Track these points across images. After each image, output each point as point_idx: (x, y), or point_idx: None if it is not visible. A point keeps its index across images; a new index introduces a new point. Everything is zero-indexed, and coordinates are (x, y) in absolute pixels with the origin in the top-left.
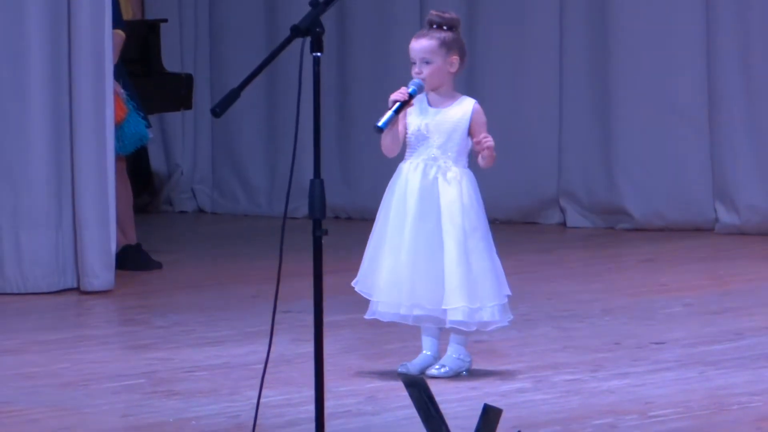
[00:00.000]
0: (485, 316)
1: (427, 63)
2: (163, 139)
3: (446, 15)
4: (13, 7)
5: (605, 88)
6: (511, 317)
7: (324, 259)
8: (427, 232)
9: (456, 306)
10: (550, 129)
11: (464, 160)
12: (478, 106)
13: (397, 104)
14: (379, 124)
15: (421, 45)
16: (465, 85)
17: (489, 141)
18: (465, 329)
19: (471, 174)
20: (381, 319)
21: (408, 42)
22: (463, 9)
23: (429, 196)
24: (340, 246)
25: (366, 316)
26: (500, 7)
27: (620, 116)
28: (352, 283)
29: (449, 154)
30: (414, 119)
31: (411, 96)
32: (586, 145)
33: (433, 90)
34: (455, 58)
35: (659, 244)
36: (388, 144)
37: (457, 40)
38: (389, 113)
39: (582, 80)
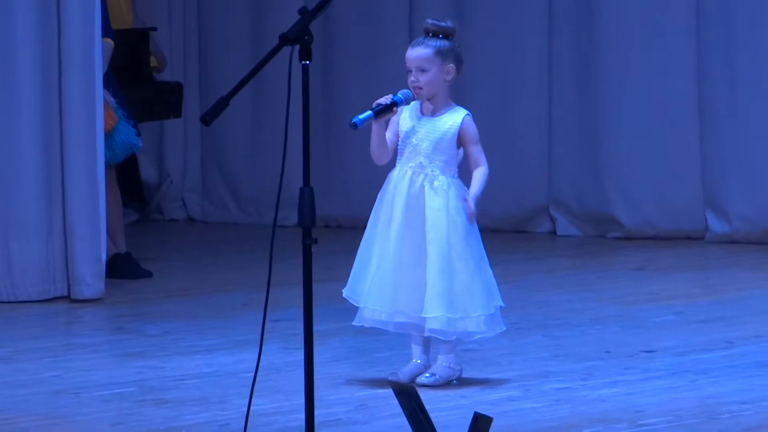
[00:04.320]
0: (469, 326)
1: (423, 71)
2: (153, 147)
3: (442, 24)
4: (2, 16)
5: (595, 97)
6: (503, 328)
7: (314, 268)
8: (413, 240)
9: (435, 315)
10: (539, 137)
11: (453, 170)
12: (469, 117)
13: (379, 106)
14: (355, 119)
15: (416, 53)
16: (454, 93)
17: (471, 209)
18: (443, 338)
19: (460, 184)
20: (364, 324)
21: (396, 49)
22: (452, 17)
23: (415, 204)
24: (329, 255)
25: (354, 323)
26: (490, 15)
27: (610, 125)
28: (343, 290)
29: (437, 162)
30: (405, 126)
31: (395, 103)
32: (576, 154)
33: (428, 99)
34: (451, 67)
35: (649, 252)
36: (375, 150)
37: (453, 49)
38: (367, 112)
39: (571, 89)
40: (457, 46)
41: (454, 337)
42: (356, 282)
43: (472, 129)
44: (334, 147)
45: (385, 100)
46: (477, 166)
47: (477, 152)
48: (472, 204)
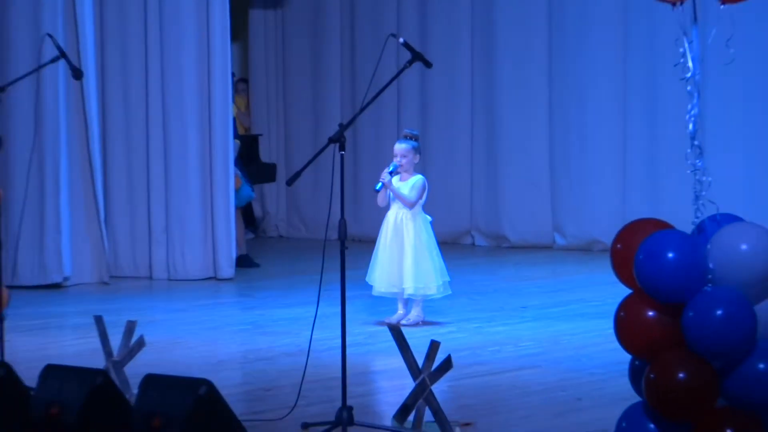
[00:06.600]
0: (428, 291)
1: (404, 157)
2: (260, 197)
3: (414, 132)
4: (178, 121)
5: (495, 163)
6: (449, 292)
7: (346, 262)
8: (398, 247)
9: (409, 285)
10: (464, 188)
11: (419, 209)
12: (419, 179)
13: (388, 177)
14: (376, 187)
15: (401, 147)
16: (422, 159)
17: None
18: (415, 298)
19: (423, 215)
20: (376, 294)
21: (392, 140)
22: (419, 120)
23: (399, 228)
24: (354, 255)
25: (372, 293)
26: (436, 115)
27: (506, 178)
28: (366, 278)
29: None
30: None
31: (391, 173)
32: (485, 198)
33: (405, 171)
34: (418, 156)
35: (524, 255)
36: (380, 201)
37: (419, 147)
38: (380, 182)
39: (483, 158)
40: (419, 144)
41: (420, 298)
42: (371, 272)
43: (415, 184)
44: (359, 196)
45: (385, 174)
46: (408, 195)
47: (410, 193)
48: (389, 182)
